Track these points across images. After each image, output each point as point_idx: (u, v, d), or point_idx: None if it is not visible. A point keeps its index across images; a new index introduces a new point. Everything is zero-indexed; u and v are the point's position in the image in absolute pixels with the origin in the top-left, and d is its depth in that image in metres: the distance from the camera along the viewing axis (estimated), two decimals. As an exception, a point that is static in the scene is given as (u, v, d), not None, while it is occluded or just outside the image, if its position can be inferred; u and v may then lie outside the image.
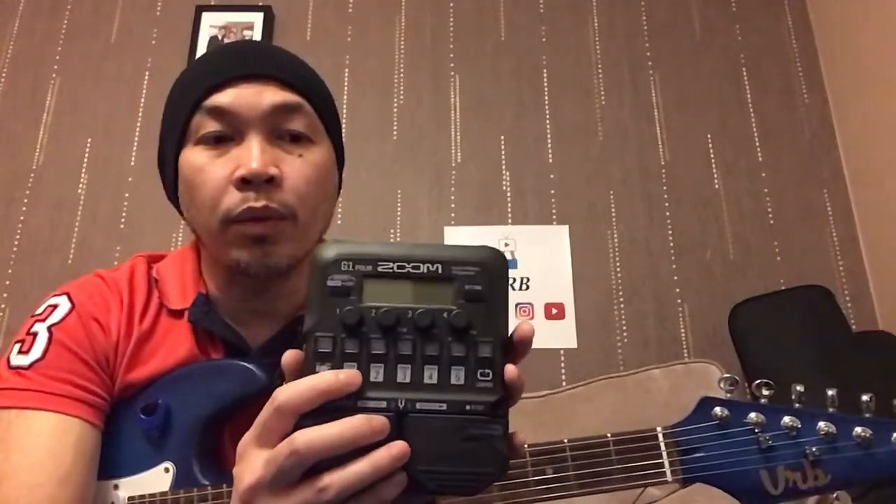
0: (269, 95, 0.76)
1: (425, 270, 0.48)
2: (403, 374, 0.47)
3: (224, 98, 0.75)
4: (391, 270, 0.48)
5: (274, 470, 0.45)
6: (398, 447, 0.45)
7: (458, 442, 0.46)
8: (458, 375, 0.47)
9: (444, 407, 0.46)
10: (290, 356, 0.49)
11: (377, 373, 0.46)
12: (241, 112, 0.75)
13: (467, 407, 0.46)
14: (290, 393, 0.45)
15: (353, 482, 0.44)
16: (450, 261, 0.48)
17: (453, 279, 0.48)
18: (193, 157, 0.77)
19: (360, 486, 0.44)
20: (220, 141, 0.76)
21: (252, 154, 0.74)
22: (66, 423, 0.74)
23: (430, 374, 0.47)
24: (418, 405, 0.46)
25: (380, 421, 0.45)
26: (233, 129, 0.76)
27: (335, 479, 0.44)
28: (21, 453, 0.72)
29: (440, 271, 0.48)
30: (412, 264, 0.48)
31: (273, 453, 0.45)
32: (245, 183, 0.74)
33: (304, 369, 0.47)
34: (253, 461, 0.47)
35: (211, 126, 0.76)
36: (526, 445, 0.67)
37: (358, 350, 0.47)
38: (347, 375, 0.46)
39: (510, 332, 0.49)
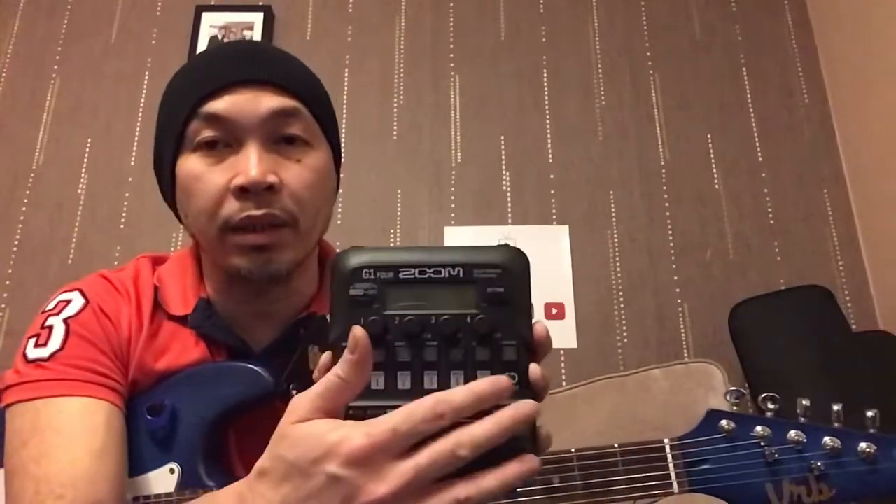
0: (265, 101, 0.75)
1: (447, 275, 0.48)
2: (430, 381, 0.47)
3: (220, 104, 0.74)
4: (413, 276, 0.48)
5: (428, 474, 0.44)
6: (530, 460, 0.45)
7: None
8: None
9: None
10: (328, 358, 0.49)
11: (404, 381, 0.47)
12: (237, 119, 0.74)
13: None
14: (453, 399, 0.44)
15: (483, 497, 0.44)
16: (471, 264, 0.48)
17: (475, 282, 0.48)
18: (191, 165, 0.76)
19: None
20: (218, 147, 0.75)
21: (250, 162, 0.73)
22: (94, 404, 0.75)
23: (457, 380, 0.47)
24: None
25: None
26: (230, 136, 0.75)
27: (472, 490, 0.44)
28: (55, 433, 0.72)
29: (462, 275, 0.48)
30: (433, 269, 0.48)
31: (430, 457, 0.44)
32: (243, 192, 0.73)
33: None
34: (386, 470, 0.44)
35: (207, 132, 0.75)
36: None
37: (384, 359, 0.47)
38: (501, 380, 0.45)
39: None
